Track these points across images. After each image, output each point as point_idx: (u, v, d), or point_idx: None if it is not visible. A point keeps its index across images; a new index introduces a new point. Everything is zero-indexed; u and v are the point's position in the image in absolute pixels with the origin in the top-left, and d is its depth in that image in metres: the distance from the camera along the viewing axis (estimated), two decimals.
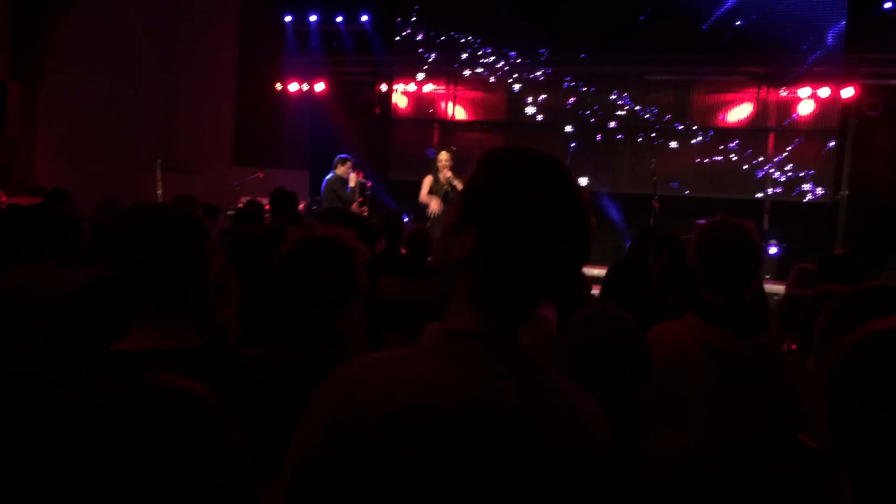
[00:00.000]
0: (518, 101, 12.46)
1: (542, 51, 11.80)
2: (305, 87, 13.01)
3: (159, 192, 10.33)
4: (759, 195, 11.26)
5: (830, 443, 0.93)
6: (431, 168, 8.81)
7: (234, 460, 0.89)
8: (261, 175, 10.93)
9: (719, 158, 11.40)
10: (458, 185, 8.75)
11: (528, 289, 1.23)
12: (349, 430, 1.10)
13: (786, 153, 11.20)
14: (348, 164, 9.27)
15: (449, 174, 8.61)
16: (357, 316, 3.11)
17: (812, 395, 1.30)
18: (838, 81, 10.61)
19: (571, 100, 12.03)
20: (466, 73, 12.43)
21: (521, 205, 1.19)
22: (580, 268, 1.32)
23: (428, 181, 8.73)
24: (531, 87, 12.27)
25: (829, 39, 10.56)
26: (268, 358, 1.94)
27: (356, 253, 2.23)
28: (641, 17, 11.17)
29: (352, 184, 9.21)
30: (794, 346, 2.73)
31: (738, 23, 10.77)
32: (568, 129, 11.99)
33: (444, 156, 8.68)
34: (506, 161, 1.25)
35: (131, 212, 1.70)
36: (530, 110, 12.35)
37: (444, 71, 12.62)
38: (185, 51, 13.15)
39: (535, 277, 1.21)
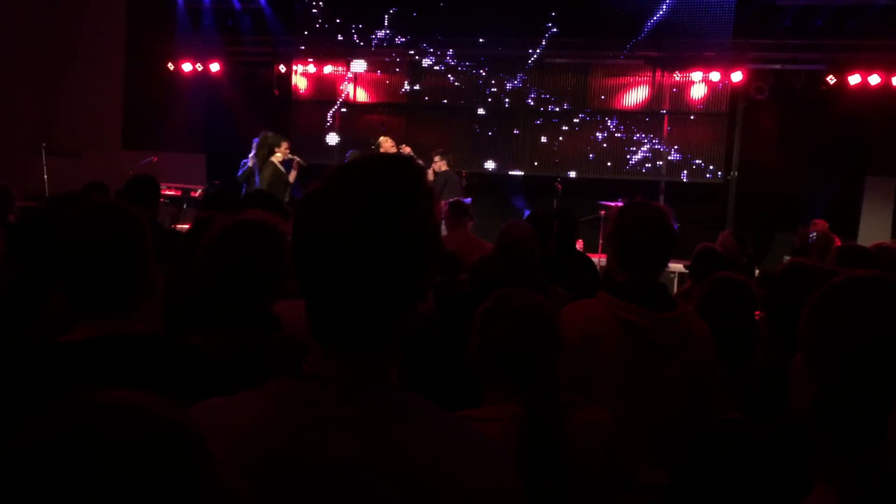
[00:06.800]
0: (420, 84, 12.39)
1: (443, 35, 11.75)
2: (199, 67, 12.54)
3: (45, 177, 9.78)
4: (656, 176, 11.61)
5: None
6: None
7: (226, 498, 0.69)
8: (154, 159, 10.49)
9: (618, 139, 11.67)
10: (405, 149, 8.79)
11: (343, 314, 1.06)
12: None
13: (680, 136, 11.57)
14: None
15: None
16: None
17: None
18: (728, 66, 11.04)
19: (473, 82, 12.05)
20: (363, 62, 12.24)
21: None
22: (403, 283, 1.06)
23: None
24: (433, 70, 12.22)
25: (719, 25, 10.95)
26: (207, 349, 1.82)
27: (283, 236, 2.12)
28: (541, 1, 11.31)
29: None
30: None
31: (635, 7, 11.04)
32: (474, 111, 12.01)
33: (388, 143, 8.65)
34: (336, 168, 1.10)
35: (66, 207, 1.60)
36: (432, 93, 12.31)
37: (345, 52, 12.40)
38: (67, 28, 12.44)
39: (341, 300, 1.05)
